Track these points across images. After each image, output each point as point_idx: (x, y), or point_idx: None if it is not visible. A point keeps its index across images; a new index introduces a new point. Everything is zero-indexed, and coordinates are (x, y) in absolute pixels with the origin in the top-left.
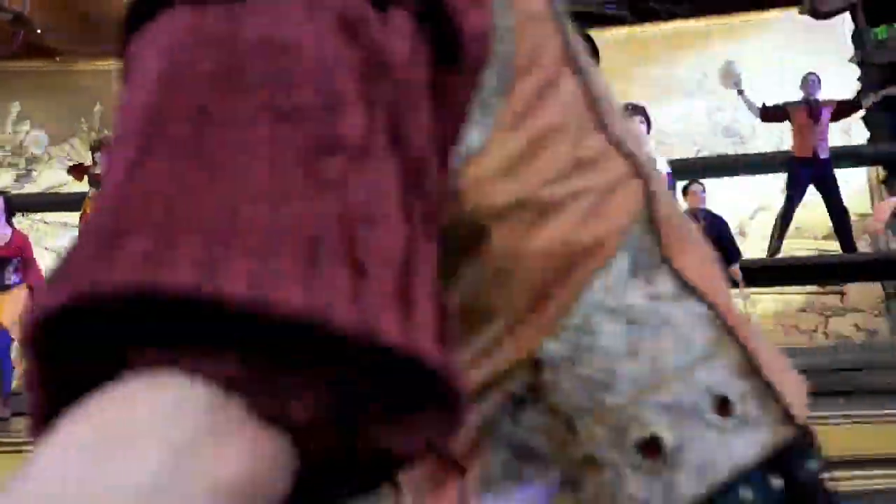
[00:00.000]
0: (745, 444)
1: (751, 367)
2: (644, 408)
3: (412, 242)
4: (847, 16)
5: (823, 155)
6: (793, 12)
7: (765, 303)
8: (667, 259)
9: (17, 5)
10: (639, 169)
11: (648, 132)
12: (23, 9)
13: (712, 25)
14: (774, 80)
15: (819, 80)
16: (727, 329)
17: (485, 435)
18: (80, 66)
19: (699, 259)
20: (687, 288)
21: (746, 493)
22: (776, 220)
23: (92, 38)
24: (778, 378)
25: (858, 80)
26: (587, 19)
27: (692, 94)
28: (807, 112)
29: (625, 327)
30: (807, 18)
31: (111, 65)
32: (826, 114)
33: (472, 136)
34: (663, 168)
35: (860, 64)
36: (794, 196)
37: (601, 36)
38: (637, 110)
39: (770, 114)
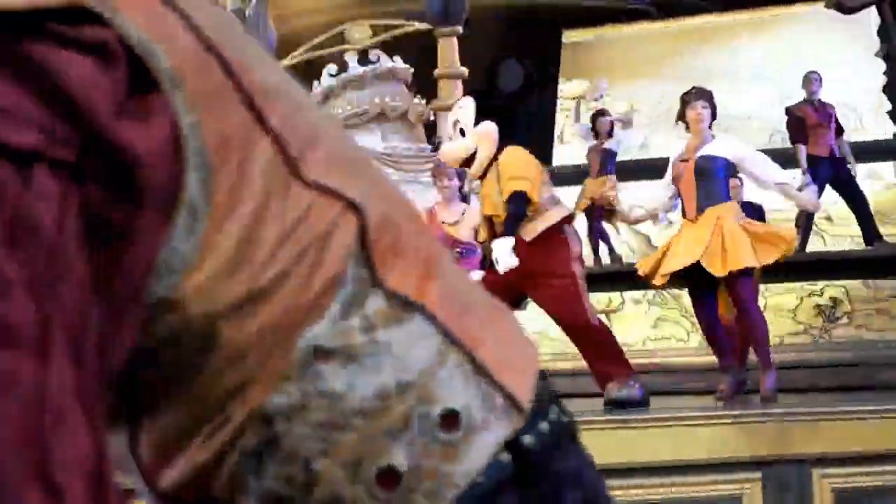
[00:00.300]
0: (477, 451)
1: (477, 370)
2: (375, 439)
3: (98, 440)
4: (874, 10)
5: (838, 153)
6: (818, 6)
7: (857, 289)
8: (381, 282)
9: None
10: (349, 201)
11: (713, 118)
12: None
13: (738, 20)
14: (798, 73)
15: (821, 79)
16: (451, 338)
17: (237, 491)
18: None
19: (421, 266)
20: (404, 305)
21: (479, 479)
22: (800, 216)
23: None
24: (507, 371)
25: (884, 74)
26: (612, 15)
27: (760, 81)
28: (815, 112)
29: (345, 365)
30: (832, 12)
31: None
32: (834, 114)
33: (184, 248)
34: (736, 153)
35: (886, 58)
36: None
37: (628, 31)
38: (702, 94)
39: (795, 134)
